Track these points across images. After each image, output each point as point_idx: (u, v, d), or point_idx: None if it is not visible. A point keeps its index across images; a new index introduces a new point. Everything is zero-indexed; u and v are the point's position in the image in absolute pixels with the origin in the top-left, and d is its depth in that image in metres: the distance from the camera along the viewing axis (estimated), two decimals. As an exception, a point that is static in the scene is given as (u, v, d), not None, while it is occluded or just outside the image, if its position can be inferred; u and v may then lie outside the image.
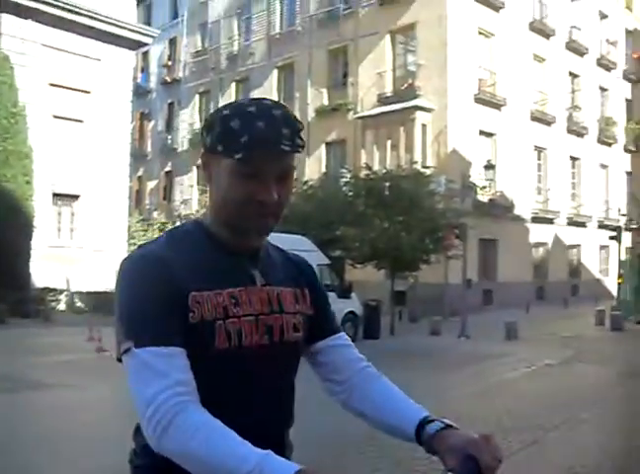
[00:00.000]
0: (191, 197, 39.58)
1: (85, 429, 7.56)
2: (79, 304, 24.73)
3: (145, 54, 42.95)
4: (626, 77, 39.70)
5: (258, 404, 1.50)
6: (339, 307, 17.66)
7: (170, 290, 1.41)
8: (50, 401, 9.81)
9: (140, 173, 43.59)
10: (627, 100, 39.90)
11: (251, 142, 1.40)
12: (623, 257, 27.74)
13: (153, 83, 44.16)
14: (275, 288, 1.58)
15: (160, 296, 1.40)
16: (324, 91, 32.73)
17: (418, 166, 22.42)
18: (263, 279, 1.56)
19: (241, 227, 1.50)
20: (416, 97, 27.84)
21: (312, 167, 32.20)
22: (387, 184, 19.88)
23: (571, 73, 35.13)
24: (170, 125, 42.65)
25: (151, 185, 43.61)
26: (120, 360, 1.43)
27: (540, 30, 32.73)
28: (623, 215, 33.30)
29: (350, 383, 1.66)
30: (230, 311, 1.47)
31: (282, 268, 1.65)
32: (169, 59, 42.91)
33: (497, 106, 29.77)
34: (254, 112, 1.43)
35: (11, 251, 22.77)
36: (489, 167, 24.32)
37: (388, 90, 29.78)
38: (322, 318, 1.71)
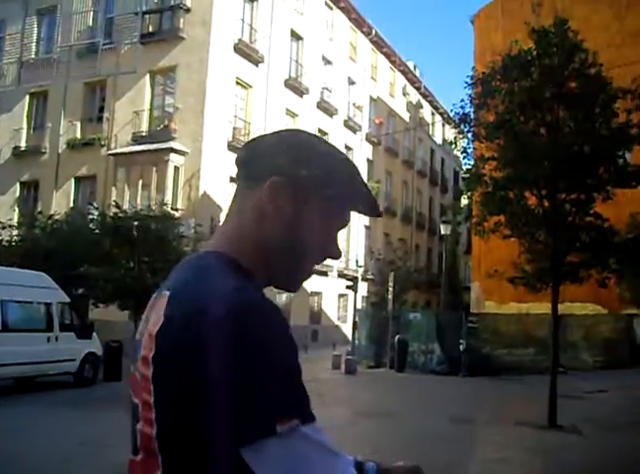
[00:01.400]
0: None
1: None
2: None
3: None
4: (368, 139, 43.13)
5: None
6: (78, 348, 17.16)
7: None
8: None
9: None
10: (368, 160, 43.22)
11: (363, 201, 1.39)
12: (359, 305, 29.73)
13: None
14: None
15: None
16: (78, 123, 31.83)
17: (168, 207, 22.56)
18: None
19: (291, 276, 1.34)
20: (171, 139, 28.05)
21: (60, 201, 30.98)
22: (136, 223, 19.78)
23: (320, 130, 37.34)
24: None
25: None
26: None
27: (295, 87, 34.65)
28: (360, 267, 35.81)
29: None
30: None
31: None
32: None
33: (250, 155, 30.77)
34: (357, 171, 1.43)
35: None
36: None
37: (144, 129, 29.69)
38: None
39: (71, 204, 30.79)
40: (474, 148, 14.41)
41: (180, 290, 1.20)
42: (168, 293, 1.21)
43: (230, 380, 1.06)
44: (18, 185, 32.98)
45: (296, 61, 35.15)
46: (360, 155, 41.91)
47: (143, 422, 1.18)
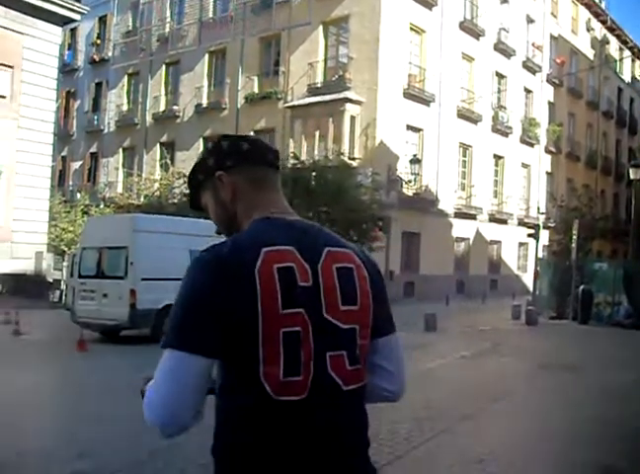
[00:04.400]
0: (116, 179, 38.81)
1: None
2: (-5, 286, 24.03)
3: (73, 31, 41.77)
4: (549, 80, 40.88)
5: None
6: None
7: None
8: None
9: (64, 153, 42.49)
10: (550, 102, 41.09)
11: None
12: (540, 254, 28.58)
13: (81, 61, 42.99)
14: None
15: None
16: (255, 78, 32.59)
17: (345, 157, 22.58)
18: None
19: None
20: (346, 89, 28.03)
21: (241, 154, 32.01)
22: (314, 174, 19.98)
23: (498, 73, 35.93)
24: (97, 106, 41.65)
25: (75, 165, 42.55)
26: None
27: (470, 29, 33.36)
28: (542, 214, 34.34)
29: None
30: None
31: None
32: (98, 38, 41.83)
33: (425, 101, 30.24)
34: None
35: None
36: (415, 161, 24.70)
37: (319, 80, 29.88)
38: None
39: (251, 158, 31.68)
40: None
41: None
42: None
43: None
44: (201, 140, 34.44)
45: (471, 2, 33.75)
46: (541, 98, 39.94)
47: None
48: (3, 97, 25.61)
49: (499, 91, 36.42)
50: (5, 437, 6.28)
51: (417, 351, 13.65)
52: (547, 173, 40.61)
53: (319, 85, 29.67)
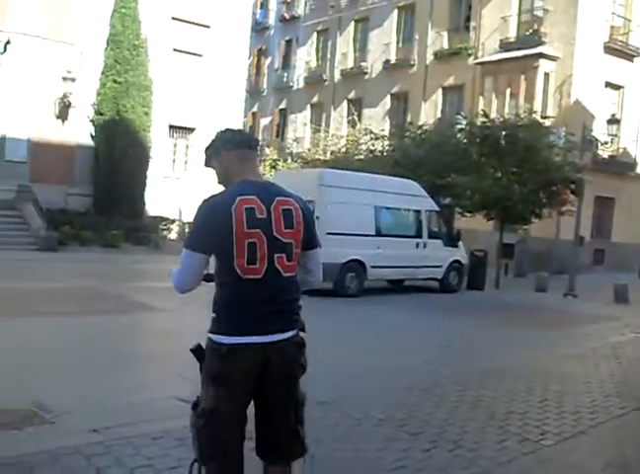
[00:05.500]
0: (303, 135, 39.72)
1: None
2: (189, 234, 25.50)
3: (265, -10, 42.90)
4: None
5: None
6: (445, 255, 17.51)
7: None
8: (152, 323, 10.25)
9: (255, 109, 44.02)
10: None
11: None
12: None
13: (272, 19, 44.09)
14: None
15: None
16: (444, 34, 31.81)
17: (537, 116, 21.59)
18: None
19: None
20: (540, 44, 26.66)
21: (428, 111, 31.67)
22: (504, 133, 19.26)
23: None
24: (286, 63, 42.62)
25: (264, 121, 43.99)
26: None
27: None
28: None
29: None
30: None
31: None
32: (289, -4, 42.65)
33: (628, 56, 28.10)
34: None
35: (128, 181, 23.69)
36: (613, 121, 23.09)
37: (512, 35, 28.61)
38: None
39: (439, 114, 31.25)
40: None
41: None
42: None
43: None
44: (388, 97, 34.34)
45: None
46: None
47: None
48: (199, 55, 26.84)
49: None
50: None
51: (606, 322, 12.96)
52: None
53: (512, 40, 28.39)
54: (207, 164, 3.06)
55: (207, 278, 2.84)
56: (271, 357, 2.75)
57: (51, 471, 3.92)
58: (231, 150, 2.92)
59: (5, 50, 22.37)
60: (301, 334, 2.90)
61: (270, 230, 2.73)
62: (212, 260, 2.77)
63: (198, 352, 2.87)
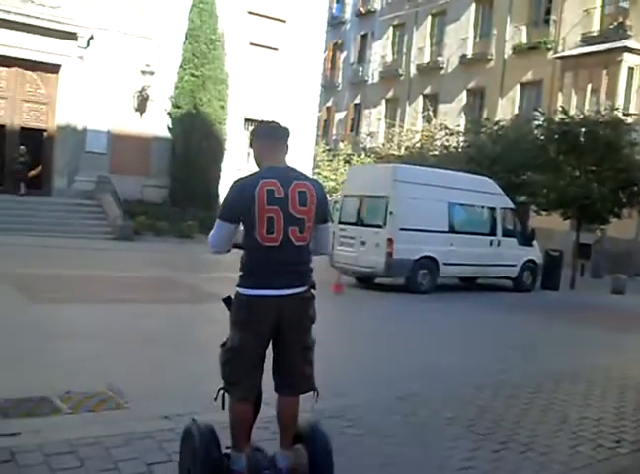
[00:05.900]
0: (378, 130, 39.57)
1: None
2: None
3: (342, -16, 42.86)
4: None
5: None
6: (519, 254, 17.17)
7: None
8: (223, 313, 10.33)
9: (329, 103, 44.09)
10: None
11: None
12: None
13: (348, 14, 44.02)
14: None
15: None
16: (523, 28, 31.16)
17: (619, 113, 20.94)
18: None
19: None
20: (625, 37, 25.85)
21: (505, 107, 31.13)
22: (583, 130, 18.72)
23: None
24: (362, 57, 42.52)
25: (339, 116, 44.02)
26: None
27: None
28: None
29: None
30: None
31: None
32: (366, -11, 42.50)
33: None
34: None
35: (203, 173, 24.12)
36: (701, 119, 22.21)
37: (594, 29, 27.81)
38: None
39: (516, 111, 30.68)
40: None
41: None
42: None
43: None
44: (465, 92, 33.89)
45: None
46: None
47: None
48: (275, 49, 27.03)
49: None
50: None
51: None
52: None
53: (594, 34, 27.60)
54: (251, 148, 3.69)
55: (237, 245, 3.47)
56: (284, 308, 3.34)
57: (125, 452, 4.05)
58: (261, 140, 3.51)
59: (88, 45, 23.02)
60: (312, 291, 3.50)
61: (287, 207, 3.29)
62: (241, 231, 3.40)
63: (227, 302, 3.46)
